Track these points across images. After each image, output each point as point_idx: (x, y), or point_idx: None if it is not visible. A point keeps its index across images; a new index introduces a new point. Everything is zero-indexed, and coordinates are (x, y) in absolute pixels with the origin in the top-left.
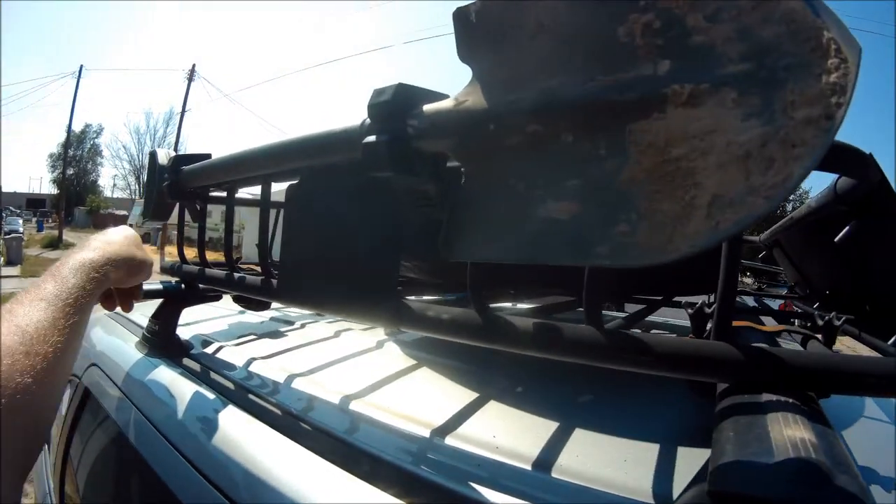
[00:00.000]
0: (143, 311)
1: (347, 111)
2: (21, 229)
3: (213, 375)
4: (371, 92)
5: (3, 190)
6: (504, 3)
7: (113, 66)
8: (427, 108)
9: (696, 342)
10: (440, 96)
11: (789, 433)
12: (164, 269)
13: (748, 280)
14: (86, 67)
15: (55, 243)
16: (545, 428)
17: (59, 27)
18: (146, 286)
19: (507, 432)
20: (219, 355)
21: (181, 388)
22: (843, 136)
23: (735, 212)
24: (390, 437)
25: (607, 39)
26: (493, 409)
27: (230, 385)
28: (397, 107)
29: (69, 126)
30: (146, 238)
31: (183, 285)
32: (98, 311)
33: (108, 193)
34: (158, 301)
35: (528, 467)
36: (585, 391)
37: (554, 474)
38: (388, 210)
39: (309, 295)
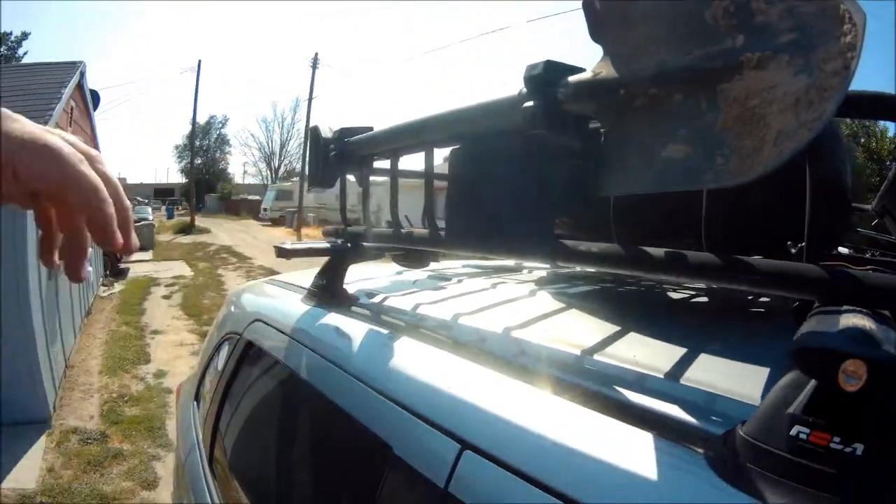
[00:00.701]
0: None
1: (472, 88)
2: (150, 217)
3: (384, 317)
4: (525, 66)
5: (130, 182)
6: None
7: (232, 58)
8: (571, 78)
9: (790, 264)
10: (580, 69)
11: (855, 321)
12: (328, 232)
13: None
14: (203, 62)
15: (187, 229)
16: (673, 351)
17: (177, 24)
18: (311, 245)
19: (643, 353)
20: (385, 303)
21: (354, 329)
22: None
23: (791, 141)
24: (549, 355)
25: (698, 20)
26: (632, 337)
27: (401, 323)
28: (548, 78)
29: (193, 117)
30: (281, 220)
31: (348, 244)
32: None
33: (238, 180)
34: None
35: (661, 376)
36: (707, 325)
37: (682, 382)
38: (540, 166)
39: (476, 239)
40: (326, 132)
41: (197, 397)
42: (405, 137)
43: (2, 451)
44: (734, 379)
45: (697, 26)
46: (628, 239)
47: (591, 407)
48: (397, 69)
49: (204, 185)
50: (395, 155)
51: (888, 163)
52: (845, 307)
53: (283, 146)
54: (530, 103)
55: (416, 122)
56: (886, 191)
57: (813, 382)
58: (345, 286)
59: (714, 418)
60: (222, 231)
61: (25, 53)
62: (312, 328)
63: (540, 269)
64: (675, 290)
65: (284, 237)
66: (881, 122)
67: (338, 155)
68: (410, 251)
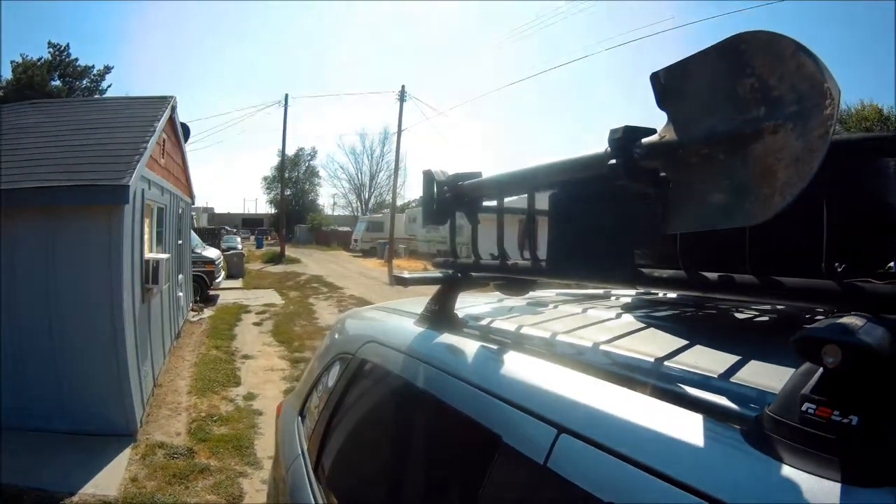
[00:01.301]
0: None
1: (553, 119)
2: (240, 246)
3: (492, 336)
4: (608, 128)
5: (217, 211)
6: (678, 71)
7: (320, 92)
8: (644, 140)
9: (812, 281)
10: (652, 131)
11: (849, 320)
12: (439, 264)
13: None
14: (291, 96)
15: (276, 258)
16: (727, 358)
17: (265, 61)
18: (426, 275)
19: (704, 360)
20: (492, 325)
21: (467, 346)
22: None
23: (791, 189)
24: (627, 362)
25: (734, 94)
26: (697, 349)
27: (507, 340)
28: (627, 140)
29: (283, 150)
30: (372, 252)
31: (458, 274)
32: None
33: (328, 211)
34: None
35: (715, 376)
36: (760, 339)
37: (732, 380)
38: (622, 208)
39: (572, 269)
40: (440, 175)
41: (302, 413)
42: (510, 184)
43: (87, 459)
44: (774, 377)
45: (734, 98)
46: (692, 266)
47: (659, 398)
48: (481, 103)
49: (293, 215)
50: (500, 197)
51: None
52: (853, 313)
53: (372, 178)
54: (613, 161)
55: (521, 171)
56: None
57: (820, 370)
58: (455, 311)
59: (751, 405)
60: (312, 261)
61: (109, 86)
62: (428, 346)
63: (626, 296)
64: (739, 312)
65: (375, 268)
66: None
67: (452, 196)
68: (512, 281)
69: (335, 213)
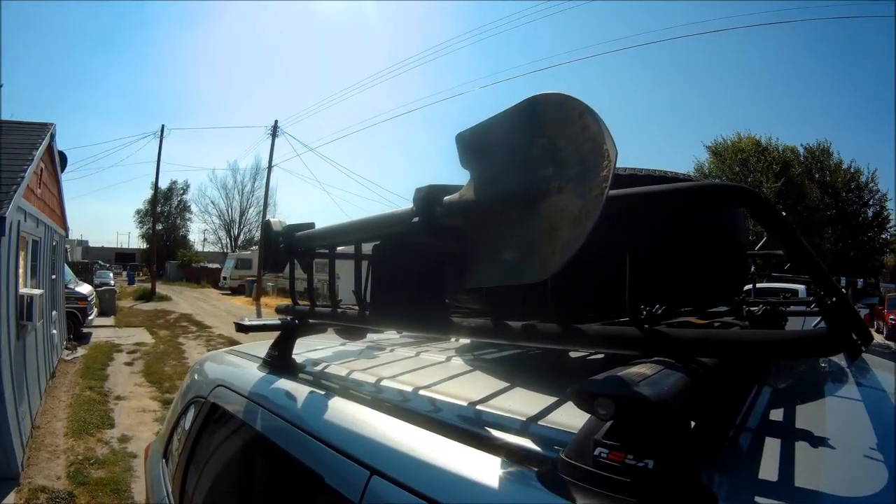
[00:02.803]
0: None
1: (422, 155)
2: (112, 282)
3: (323, 382)
4: (415, 188)
5: (92, 244)
6: (480, 132)
7: (194, 125)
8: (446, 199)
9: (617, 328)
10: (456, 188)
11: (637, 370)
12: (280, 310)
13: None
14: (167, 127)
15: (148, 295)
16: (542, 400)
17: (142, 89)
18: (266, 322)
19: (518, 402)
20: (326, 370)
21: (300, 392)
22: None
23: (569, 249)
24: (449, 407)
25: (529, 155)
26: (516, 391)
27: (336, 386)
28: (430, 199)
29: (155, 183)
30: (241, 290)
31: (296, 321)
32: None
33: (198, 247)
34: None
35: (525, 419)
36: (563, 377)
37: (540, 423)
38: (436, 261)
39: (391, 318)
40: (277, 226)
41: (166, 455)
42: (337, 236)
43: None
44: (582, 418)
45: (528, 159)
46: (501, 315)
47: (465, 442)
48: (356, 137)
49: (165, 251)
50: (332, 247)
51: (843, 194)
52: (655, 358)
53: (242, 214)
54: (416, 219)
55: (344, 225)
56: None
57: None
58: (294, 356)
59: (556, 447)
60: (182, 299)
61: None
62: (266, 391)
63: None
64: (575, 351)
65: (244, 307)
66: (835, 155)
67: (286, 247)
68: (347, 326)
69: (205, 250)
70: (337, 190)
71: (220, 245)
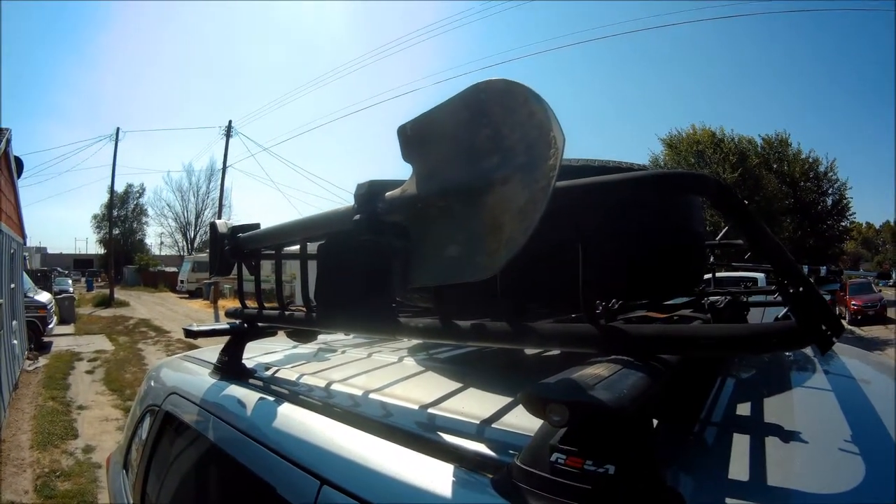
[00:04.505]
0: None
1: (373, 151)
2: (71, 289)
3: (273, 387)
4: (356, 183)
5: (50, 251)
6: (423, 123)
7: (149, 126)
8: (387, 195)
9: (572, 325)
10: (399, 184)
11: (591, 371)
12: (229, 314)
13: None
14: (122, 129)
15: (107, 301)
16: (496, 400)
17: (97, 90)
18: (215, 326)
19: (472, 404)
20: (276, 375)
21: (250, 398)
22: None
23: (515, 244)
24: (400, 411)
25: (473, 145)
26: (469, 392)
27: (285, 391)
28: (371, 195)
29: (111, 187)
30: (199, 293)
31: (245, 325)
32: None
33: (155, 251)
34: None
35: (478, 422)
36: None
37: (494, 425)
38: (377, 260)
39: (337, 320)
40: (222, 228)
41: (126, 466)
42: (282, 235)
43: None
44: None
45: (471, 150)
46: (449, 315)
47: (416, 448)
48: (309, 136)
49: (122, 256)
50: (278, 248)
51: (802, 183)
52: (612, 357)
53: (198, 216)
54: (357, 216)
55: (289, 224)
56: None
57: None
58: (245, 360)
59: (511, 451)
60: (140, 304)
61: None
62: (216, 398)
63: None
64: (522, 350)
65: (202, 310)
66: (794, 144)
67: (231, 248)
68: (297, 329)
69: (162, 253)
70: (292, 189)
71: (176, 248)
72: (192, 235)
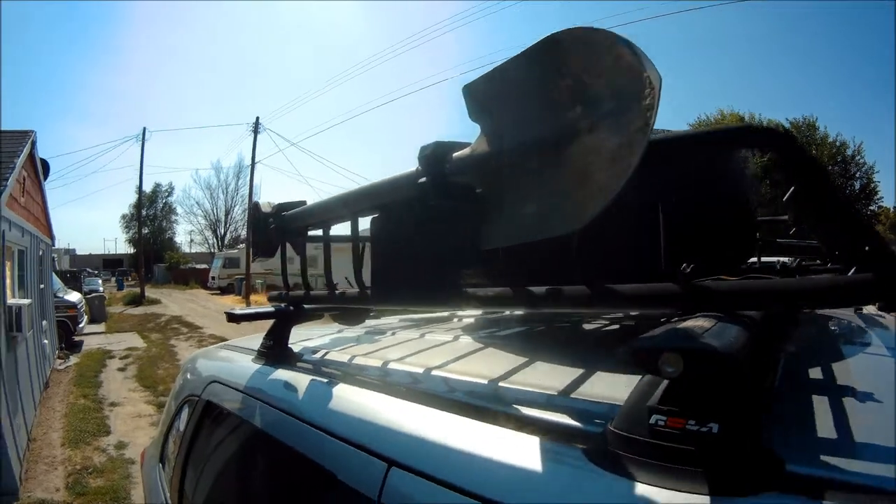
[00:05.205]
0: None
1: (405, 142)
2: (101, 288)
3: (325, 369)
4: (419, 145)
5: (79, 252)
6: (491, 80)
7: (176, 125)
8: (455, 155)
9: (652, 285)
10: (464, 145)
11: (693, 323)
12: (273, 298)
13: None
14: (149, 129)
15: (138, 300)
16: (567, 372)
17: (121, 91)
18: (259, 310)
19: (547, 377)
20: (326, 357)
21: (300, 381)
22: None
23: (607, 192)
24: (468, 386)
25: (550, 98)
26: (537, 365)
27: (338, 373)
28: (436, 157)
29: (139, 187)
30: (230, 288)
31: (291, 307)
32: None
33: (185, 249)
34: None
35: (555, 393)
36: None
37: (572, 395)
38: (442, 227)
39: (396, 295)
40: (266, 207)
41: (162, 459)
42: (332, 210)
43: None
44: (623, 388)
45: (549, 103)
46: (520, 281)
47: (494, 422)
48: (339, 129)
49: (152, 254)
50: (326, 225)
51: (830, 167)
52: (699, 314)
53: (227, 213)
54: (423, 179)
55: (340, 196)
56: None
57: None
58: (290, 345)
59: (597, 420)
60: (172, 301)
61: None
62: (263, 384)
63: (468, 317)
64: (588, 323)
65: (233, 305)
66: (821, 129)
67: (276, 228)
68: (346, 310)
69: (192, 251)
70: (320, 183)
71: (206, 245)
72: (223, 232)
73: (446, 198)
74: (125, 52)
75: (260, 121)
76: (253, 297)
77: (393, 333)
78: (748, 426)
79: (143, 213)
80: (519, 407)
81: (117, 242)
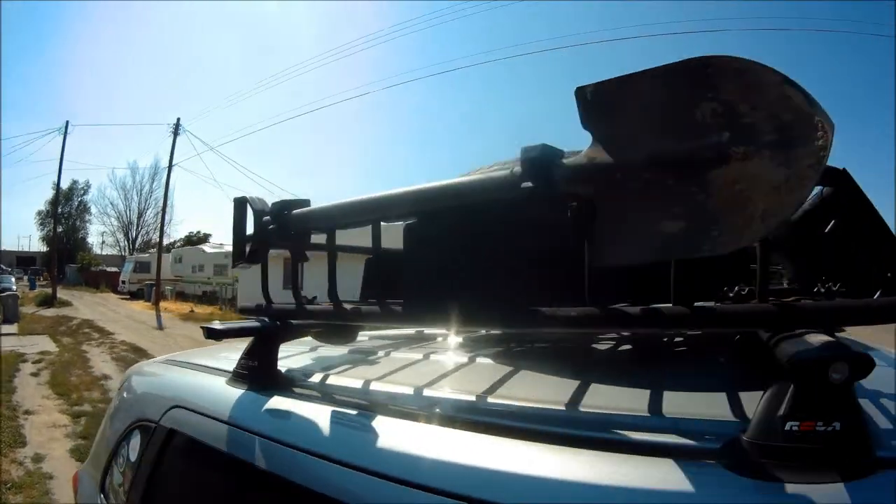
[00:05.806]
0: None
1: (319, 154)
2: (15, 287)
3: (336, 397)
4: (520, 147)
5: None
6: (611, 88)
7: (98, 121)
8: (567, 161)
9: (744, 305)
10: (573, 153)
11: (820, 338)
12: (246, 310)
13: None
14: (72, 123)
15: (49, 301)
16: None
17: (46, 82)
18: (242, 325)
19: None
20: (328, 382)
21: (305, 411)
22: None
23: (776, 217)
24: (518, 412)
25: (689, 117)
26: (596, 387)
27: (354, 400)
28: (546, 161)
29: (57, 183)
30: (140, 294)
31: (278, 322)
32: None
33: (97, 250)
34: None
35: (646, 414)
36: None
37: (667, 414)
38: (522, 240)
39: (441, 314)
40: (259, 204)
41: (103, 489)
42: (364, 212)
43: None
44: (709, 406)
45: (686, 121)
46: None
47: (598, 449)
48: (259, 137)
49: (65, 254)
50: (331, 230)
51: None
52: (800, 331)
53: (140, 215)
54: (529, 183)
55: (386, 196)
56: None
57: (792, 388)
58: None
59: (707, 437)
60: (83, 304)
61: None
62: (256, 413)
63: (440, 336)
64: (592, 344)
65: (144, 311)
66: None
67: (276, 229)
68: (334, 327)
69: (104, 253)
70: (235, 190)
71: (118, 248)
72: (134, 235)
73: (556, 206)
74: (52, 41)
75: (181, 122)
76: (163, 304)
77: (387, 354)
78: (861, 421)
79: (59, 210)
80: (619, 430)
81: (31, 240)
